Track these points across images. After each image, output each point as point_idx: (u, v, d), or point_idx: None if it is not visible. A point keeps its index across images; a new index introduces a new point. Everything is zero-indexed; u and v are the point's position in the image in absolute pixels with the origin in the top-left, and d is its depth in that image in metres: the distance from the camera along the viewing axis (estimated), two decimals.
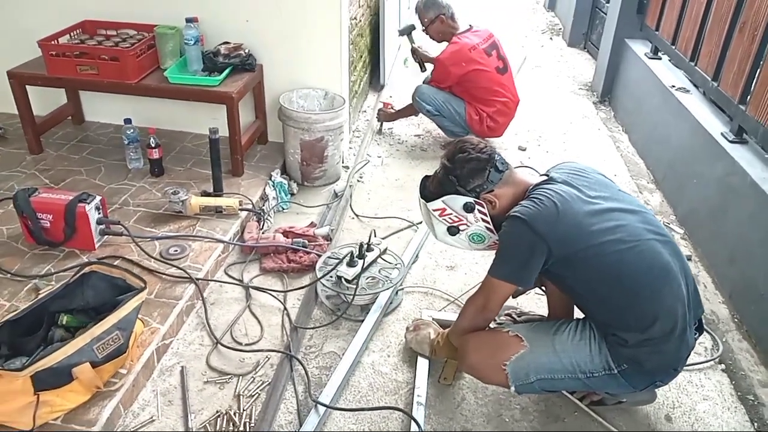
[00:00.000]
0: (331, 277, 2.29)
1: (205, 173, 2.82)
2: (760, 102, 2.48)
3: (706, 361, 2.17)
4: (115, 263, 2.12)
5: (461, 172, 1.76)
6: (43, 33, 2.77)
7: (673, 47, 3.56)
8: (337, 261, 2.31)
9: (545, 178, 1.76)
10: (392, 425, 1.87)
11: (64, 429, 1.62)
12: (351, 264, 2.27)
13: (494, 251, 1.75)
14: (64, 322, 1.78)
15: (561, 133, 4.01)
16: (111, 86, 2.78)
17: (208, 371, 1.93)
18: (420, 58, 3.82)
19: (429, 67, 3.74)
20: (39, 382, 1.57)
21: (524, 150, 3.74)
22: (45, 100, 3.09)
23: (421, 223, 2.83)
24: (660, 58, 3.84)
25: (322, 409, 1.85)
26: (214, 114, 2.98)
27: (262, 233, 2.56)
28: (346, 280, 2.25)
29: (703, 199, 2.82)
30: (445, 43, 3.53)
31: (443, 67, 3.44)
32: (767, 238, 2.25)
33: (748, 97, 2.61)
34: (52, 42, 2.76)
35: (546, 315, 2.15)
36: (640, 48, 4.05)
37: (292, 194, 2.96)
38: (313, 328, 2.23)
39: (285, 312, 2.18)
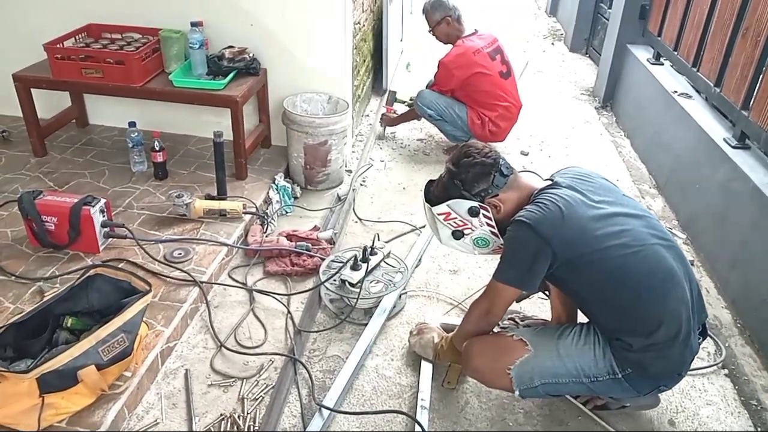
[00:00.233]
0: (334, 280, 2.29)
1: (209, 176, 2.83)
2: (763, 108, 2.49)
3: (710, 366, 2.17)
4: (120, 266, 2.13)
5: (466, 176, 1.76)
6: (48, 36, 2.78)
7: (676, 53, 3.57)
8: (340, 264, 2.31)
9: (550, 182, 1.77)
10: (396, 429, 1.87)
11: (68, 431, 1.62)
12: (355, 267, 2.28)
13: (498, 255, 1.76)
14: (68, 325, 1.79)
15: (563, 138, 4.02)
16: (116, 89, 2.79)
17: (212, 374, 1.93)
18: (385, 123, 3.85)
19: (390, 129, 3.87)
20: (44, 384, 1.57)
21: (527, 155, 3.75)
22: (49, 103, 3.10)
23: (424, 226, 2.84)
24: (662, 64, 3.85)
25: (326, 412, 1.85)
26: (218, 117, 2.99)
27: (266, 237, 2.56)
28: (350, 283, 2.25)
29: (706, 204, 2.82)
30: (449, 46, 3.54)
31: (446, 69, 3.45)
32: None
33: (751, 102, 2.61)
34: (58, 45, 2.77)
35: (549, 319, 2.15)
36: (642, 53, 4.06)
37: (296, 198, 2.97)
38: (316, 331, 2.24)
39: (289, 315, 2.19)
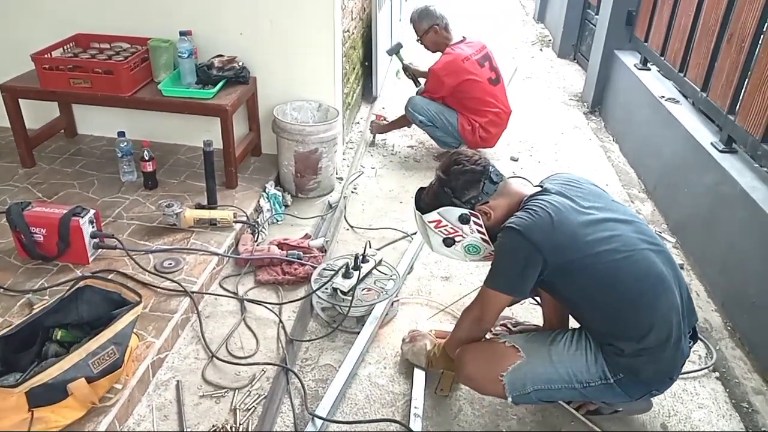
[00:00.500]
0: (326, 289, 2.28)
1: (199, 186, 2.82)
2: (749, 112, 2.52)
3: (701, 369, 2.19)
4: (110, 277, 2.12)
5: (456, 184, 1.77)
6: (36, 46, 2.76)
7: (662, 58, 3.60)
8: (332, 273, 2.31)
9: (539, 189, 1.78)
10: None
11: None
12: (346, 275, 2.28)
13: (490, 262, 1.76)
14: (58, 337, 1.77)
15: (552, 144, 4.05)
16: (104, 99, 2.77)
17: (204, 385, 1.92)
18: (412, 73, 3.90)
19: (422, 81, 3.79)
20: (33, 398, 1.55)
21: (516, 160, 3.77)
22: (38, 114, 3.08)
23: (415, 233, 2.84)
24: (649, 69, 3.89)
25: (318, 422, 1.84)
26: (207, 126, 2.99)
27: (257, 245, 2.56)
28: (342, 291, 2.25)
29: (695, 208, 2.85)
30: (439, 54, 3.56)
31: (436, 77, 3.47)
32: (758, 246, 2.28)
33: (737, 107, 2.65)
34: (45, 55, 2.76)
35: (541, 325, 2.15)
36: (629, 59, 4.10)
37: (287, 206, 2.96)
38: (309, 340, 2.23)
39: (280, 324, 2.18)
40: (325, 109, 3.08)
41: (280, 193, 2.94)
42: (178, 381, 1.92)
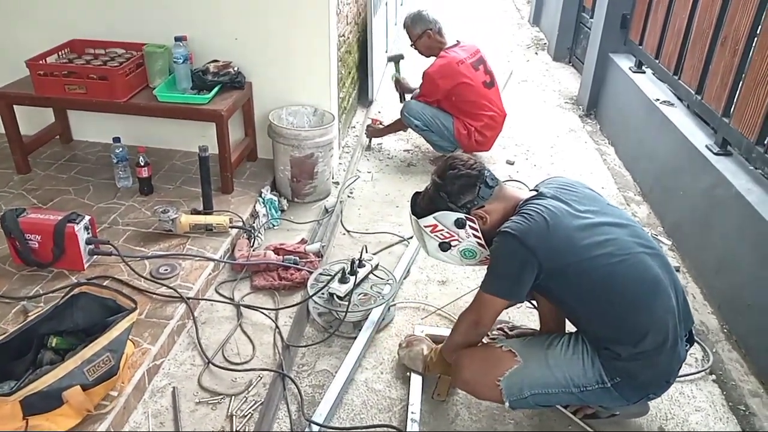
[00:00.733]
0: (322, 294, 2.28)
1: (194, 191, 2.81)
2: (743, 115, 2.53)
3: (697, 372, 2.19)
4: (105, 284, 2.11)
5: (452, 188, 1.77)
6: (30, 52, 2.76)
7: (657, 61, 3.62)
8: (328, 278, 2.30)
9: (535, 193, 1.78)
10: None
11: None
12: (343, 280, 2.27)
13: (486, 266, 1.76)
14: (53, 345, 1.76)
15: (548, 147, 4.05)
16: (100, 105, 2.77)
17: (200, 392, 1.91)
18: (402, 87, 3.92)
19: (408, 97, 3.82)
20: (28, 406, 1.54)
21: (512, 164, 3.77)
22: (32, 120, 3.08)
23: (412, 237, 2.84)
24: (644, 72, 3.90)
25: (315, 428, 1.83)
26: (203, 132, 2.98)
27: (253, 251, 2.55)
28: (338, 296, 2.24)
29: (690, 210, 2.85)
30: (433, 59, 3.56)
31: (431, 80, 3.47)
32: (753, 248, 2.29)
33: (732, 109, 2.66)
34: (40, 61, 2.75)
35: (538, 329, 2.15)
36: (624, 62, 4.11)
37: (283, 211, 2.96)
38: (305, 346, 2.22)
39: (277, 330, 2.17)
40: (320, 114, 3.09)
41: (276, 198, 2.93)
42: (174, 388, 1.91)
